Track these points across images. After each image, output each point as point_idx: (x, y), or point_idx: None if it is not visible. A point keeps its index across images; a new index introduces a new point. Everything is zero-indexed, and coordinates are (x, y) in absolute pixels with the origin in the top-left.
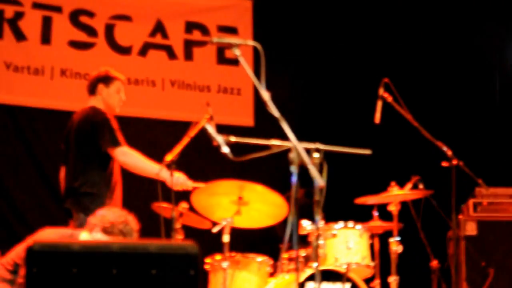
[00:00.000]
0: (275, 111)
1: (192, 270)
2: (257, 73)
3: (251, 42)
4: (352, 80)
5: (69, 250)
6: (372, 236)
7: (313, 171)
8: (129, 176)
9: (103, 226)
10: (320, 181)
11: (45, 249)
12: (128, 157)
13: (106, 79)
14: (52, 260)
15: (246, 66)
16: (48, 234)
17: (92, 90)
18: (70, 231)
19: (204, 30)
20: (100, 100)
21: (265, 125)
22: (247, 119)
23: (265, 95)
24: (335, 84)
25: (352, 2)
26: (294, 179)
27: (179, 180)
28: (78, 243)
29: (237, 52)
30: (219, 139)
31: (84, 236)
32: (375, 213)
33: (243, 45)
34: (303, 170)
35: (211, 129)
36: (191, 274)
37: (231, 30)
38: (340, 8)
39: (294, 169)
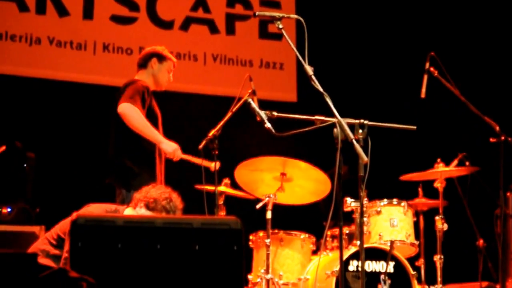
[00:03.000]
0: (319, 86)
1: (236, 245)
2: (300, 48)
3: (294, 16)
4: (397, 54)
5: (114, 224)
6: (417, 214)
7: (357, 147)
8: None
9: (147, 202)
10: (364, 157)
11: (90, 223)
12: (129, 110)
13: (161, 56)
14: (96, 234)
15: (289, 40)
16: (93, 209)
17: (143, 63)
18: (114, 206)
19: (246, 4)
20: (150, 74)
21: (308, 100)
22: (290, 95)
23: (309, 70)
24: (380, 58)
25: None
26: (338, 155)
27: (171, 148)
28: (122, 218)
29: (280, 25)
30: (262, 114)
31: (128, 211)
32: (420, 190)
33: (286, 19)
34: (347, 146)
35: (254, 104)
36: (235, 249)
37: (274, 4)
38: None
39: (338, 145)
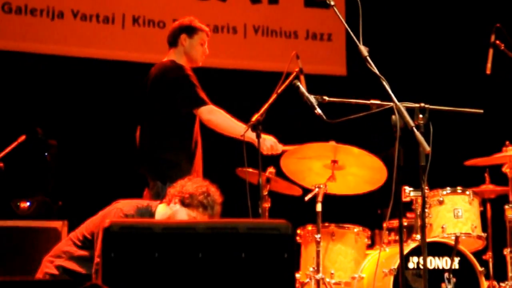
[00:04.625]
0: (375, 69)
1: (286, 253)
2: (351, 25)
3: None
4: (458, 28)
5: (150, 231)
6: (483, 202)
7: (418, 135)
8: (210, 138)
9: (182, 198)
10: (426, 146)
11: (124, 230)
12: (214, 115)
13: (190, 29)
14: (131, 243)
15: (341, 17)
16: (123, 206)
17: (173, 41)
18: (146, 202)
19: None
20: (182, 52)
21: (359, 74)
22: (339, 68)
23: (364, 50)
24: (439, 33)
25: None
26: (397, 144)
27: (268, 143)
28: (159, 224)
29: (331, 2)
30: (312, 99)
31: (161, 208)
32: (487, 176)
33: None
34: (407, 133)
35: (302, 88)
36: (285, 257)
37: None
38: None
39: (397, 133)
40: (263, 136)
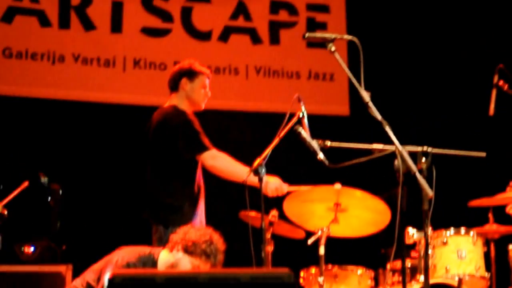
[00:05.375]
0: (377, 114)
1: None
2: (352, 64)
3: (348, 37)
4: (460, 70)
5: (153, 282)
6: (487, 242)
7: (421, 180)
8: (213, 182)
9: (185, 246)
10: (429, 191)
11: (127, 282)
12: (218, 160)
13: (190, 73)
14: None
15: (343, 64)
16: (126, 254)
17: (174, 85)
18: (148, 250)
19: (291, 9)
20: (184, 97)
21: (362, 113)
22: (342, 108)
23: (366, 96)
24: (441, 74)
25: None
26: (400, 189)
27: (273, 185)
28: (162, 274)
29: (332, 48)
30: (314, 144)
31: (164, 255)
32: (491, 216)
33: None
34: (409, 178)
35: (304, 134)
36: None
37: (322, 9)
38: None
39: (399, 178)
40: (267, 177)
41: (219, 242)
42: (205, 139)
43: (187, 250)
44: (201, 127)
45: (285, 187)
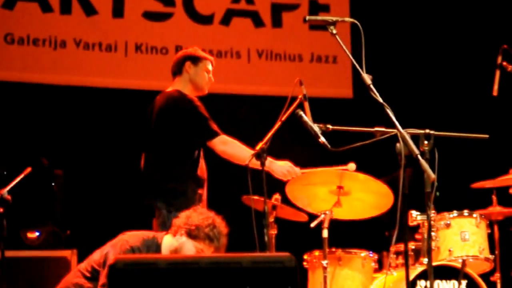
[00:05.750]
0: (378, 97)
1: (290, 286)
2: (355, 53)
3: (349, 20)
4: (463, 50)
5: (155, 267)
6: (491, 224)
7: (423, 163)
8: (215, 167)
9: (188, 230)
10: (431, 174)
11: (129, 267)
12: (228, 146)
13: (194, 58)
14: (136, 279)
15: (345, 47)
16: (129, 238)
17: (178, 69)
18: (152, 234)
19: None
20: (187, 80)
21: (365, 95)
22: (345, 90)
23: (367, 79)
24: (443, 55)
25: None
26: (402, 172)
27: (284, 169)
28: (163, 259)
29: (333, 31)
30: (316, 128)
31: (167, 240)
32: (494, 198)
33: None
34: (412, 161)
35: (305, 117)
36: None
37: None
38: None
39: (401, 161)
40: (278, 162)
41: (221, 225)
42: (214, 124)
43: (190, 234)
44: (207, 112)
45: (297, 170)
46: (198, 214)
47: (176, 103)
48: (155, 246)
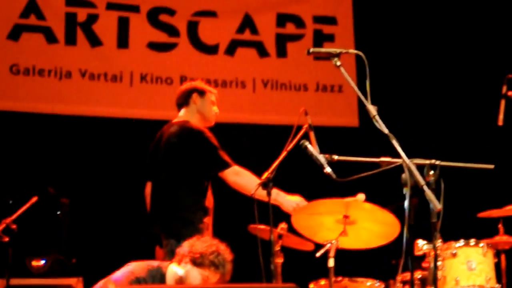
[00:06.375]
0: (384, 128)
1: None
2: (360, 81)
3: (354, 51)
4: (468, 80)
5: None
6: (497, 254)
7: (429, 193)
8: (222, 196)
9: (193, 258)
10: (437, 204)
11: None
12: (240, 176)
13: (200, 90)
14: None
15: (349, 78)
16: (134, 269)
17: (185, 100)
18: (156, 263)
19: (298, 22)
20: (195, 111)
21: (371, 124)
22: (351, 119)
23: (372, 109)
24: (449, 85)
25: None
26: (407, 202)
27: (294, 202)
28: None
29: (338, 63)
30: (321, 158)
31: (172, 268)
32: (501, 227)
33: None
34: (417, 191)
35: (311, 148)
36: None
37: (329, 21)
38: None
39: (407, 191)
40: (287, 196)
41: (226, 252)
42: (225, 155)
43: (195, 262)
44: (218, 142)
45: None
46: (202, 242)
47: (187, 134)
48: (160, 276)
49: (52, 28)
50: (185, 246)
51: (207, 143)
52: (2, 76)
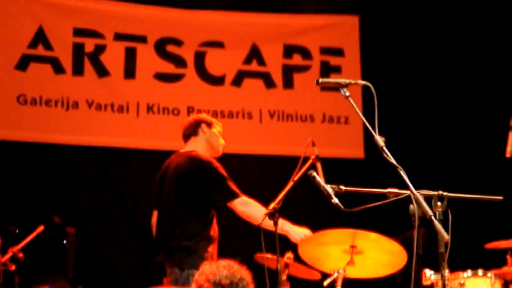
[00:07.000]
0: (391, 159)
1: None
2: (367, 111)
3: (362, 82)
4: (476, 112)
5: None
6: (505, 284)
7: (437, 224)
8: (227, 225)
9: (212, 280)
10: (444, 235)
11: None
12: (248, 207)
13: (207, 122)
14: None
15: (357, 109)
16: None
17: (194, 130)
18: None
19: (305, 53)
20: (203, 141)
21: (377, 155)
22: (357, 151)
23: (380, 141)
24: (456, 118)
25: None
26: (416, 233)
27: (302, 234)
28: None
29: (346, 93)
30: (328, 189)
31: None
32: (509, 258)
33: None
34: (425, 222)
35: (318, 178)
36: None
37: (336, 52)
38: (461, 25)
39: (415, 222)
40: (295, 227)
41: (247, 277)
42: (233, 185)
43: (216, 285)
44: (227, 172)
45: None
46: (225, 268)
47: (196, 164)
48: None
49: (60, 58)
50: (205, 272)
51: (216, 173)
52: (9, 106)
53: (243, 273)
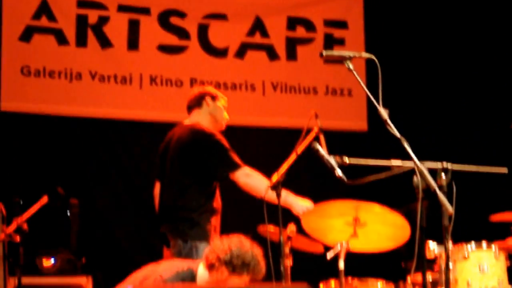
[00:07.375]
0: (395, 131)
1: None
2: (370, 81)
3: (367, 55)
4: (480, 83)
5: None
6: (510, 257)
7: (441, 196)
8: (230, 197)
9: (228, 260)
10: (449, 208)
11: None
12: (251, 178)
13: (212, 95)
14: None
15: (361, 82)
16: (163, 272)
17: (198, 102)
18: (186, 265)
19: (308, 25)
20: (207, 113)
21: (380, 128)
22: (360, 123)
23: (384, 113)
24: (460, 88)
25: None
26: (420, 205)
27: (305, 207)
28: None
29: (350, 66)
30: (332, 161)
31: (203, 270)
32: None
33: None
34: (429, 194)
35: (322, 151)
36: None
37: (340, 25)
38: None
39: (418, 194)
40: (299, 199)
41: (259, 254)
42: (236, 157)
43: (231, 265)
44: (229, 144)
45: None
46: (235, 243)
47: (199, 136)
48: (190, 277)
49: (63, 30)
50: (216, 248)
51: (218, 144)
52: (13, 78)
53: (254, 251)
